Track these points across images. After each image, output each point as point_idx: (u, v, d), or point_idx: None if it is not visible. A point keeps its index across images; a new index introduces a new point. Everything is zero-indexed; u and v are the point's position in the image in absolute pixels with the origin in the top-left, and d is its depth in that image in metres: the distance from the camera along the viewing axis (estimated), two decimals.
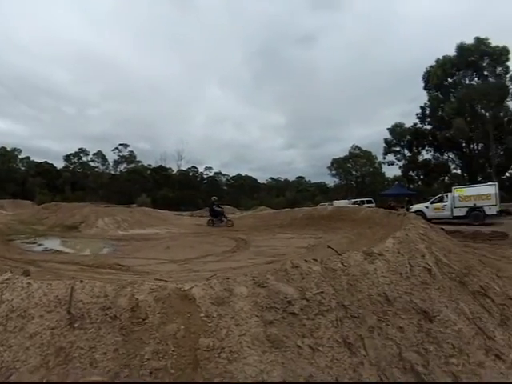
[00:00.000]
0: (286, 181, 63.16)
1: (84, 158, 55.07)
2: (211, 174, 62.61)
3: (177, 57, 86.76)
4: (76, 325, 1.54)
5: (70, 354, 1.45)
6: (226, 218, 14.39)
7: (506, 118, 25.40)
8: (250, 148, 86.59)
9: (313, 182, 61.85)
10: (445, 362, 2.23)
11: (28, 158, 53.03)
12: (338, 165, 48.61)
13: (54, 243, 10.90)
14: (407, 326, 2.34)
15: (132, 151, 55.85)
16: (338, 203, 25.33)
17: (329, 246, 3.14)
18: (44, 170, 50.22)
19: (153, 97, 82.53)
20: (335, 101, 75.78)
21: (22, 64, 67.20)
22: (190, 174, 60.16)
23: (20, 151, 51.88)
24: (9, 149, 49.94)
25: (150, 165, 57.27)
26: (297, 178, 63.60)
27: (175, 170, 57.86)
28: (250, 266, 4.38)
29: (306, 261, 2.27)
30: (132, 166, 55.57)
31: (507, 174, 28.09)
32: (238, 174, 62.91)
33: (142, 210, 20.25)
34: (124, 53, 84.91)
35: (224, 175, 63.77)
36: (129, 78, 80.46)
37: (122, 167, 55.99)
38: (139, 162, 56.48)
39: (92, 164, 55.21)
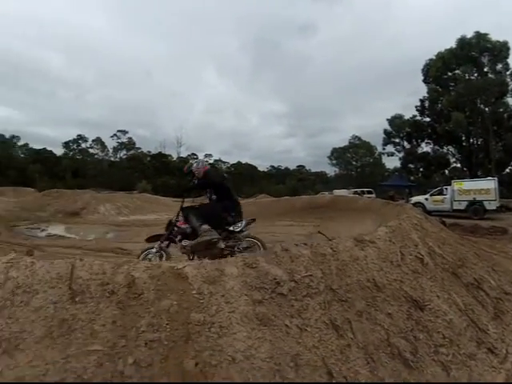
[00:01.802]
0: (287, 169, 62.64)
1: (83, 145, 54.74)
2: (211, 161, 61.68)
3: (167, 42, 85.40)
4: (77, 299, 1.64)
5: (71, 326, 1.55)
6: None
7: (505, 114, 25.14)
8: (249, 136, 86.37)
9: (313, 171, 61.40)
10: (434, 350, 2.24)
11: (27, 144, 52.96)
12: (337, 154, 48.47)
13: (56, 229, 11.15)
14: (396, 312, 2.36)
15: (131, 138, 55.46)
16: (338, 192, 25.21)
17: (319, 232, 3.19)
18: (43, 157, 49.92)
19: (147, 82, 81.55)
20: (334, 91, 75.30)
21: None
22: (190, 160, 59.51)
23: (19, 138, 51.79)
24: (7, 136, 49.78)
25: (149, 151, 56.75)
26: (297, 166, 62.97)
27: (175, 157, 57.29)
28: None
29: (296, 245, 2.35)
30: (131, 152, 55.04)
31: (507, 170, 27.68)
32: (238, 162, 62.18)
33: (142, 197, 20.42)
34: (112, 35, 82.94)
35: (224, 162, 63.14)
36: (122, 63, 79.19)
37: (122, 154, 55.70)
38: (138, 148, 56.08)
39: (91, 151, 54.89)
